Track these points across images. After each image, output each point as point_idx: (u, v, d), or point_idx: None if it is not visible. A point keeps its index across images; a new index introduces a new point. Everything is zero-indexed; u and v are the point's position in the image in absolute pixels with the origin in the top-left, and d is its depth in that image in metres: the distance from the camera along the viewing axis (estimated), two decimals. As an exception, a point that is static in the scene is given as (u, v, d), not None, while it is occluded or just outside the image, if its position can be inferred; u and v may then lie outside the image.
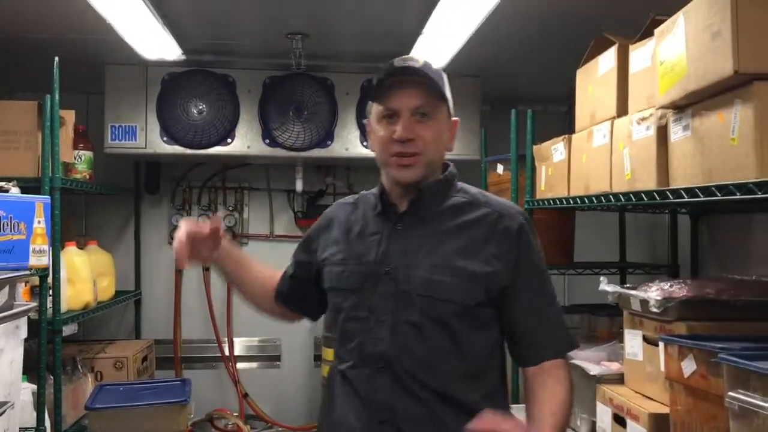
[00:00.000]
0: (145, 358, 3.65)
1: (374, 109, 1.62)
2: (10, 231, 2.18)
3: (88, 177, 3.33)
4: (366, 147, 3.58)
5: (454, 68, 3.38)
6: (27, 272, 2.14)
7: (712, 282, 2.09)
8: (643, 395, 2.11)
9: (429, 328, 1.55)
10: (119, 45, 3.03)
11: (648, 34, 1.96)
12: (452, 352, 1.55)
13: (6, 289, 1.81)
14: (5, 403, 1.98)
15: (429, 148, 1.58)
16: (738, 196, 1.40)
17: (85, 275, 3.10)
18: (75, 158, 3.24)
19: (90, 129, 3.47)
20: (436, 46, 2.93)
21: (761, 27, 1.39)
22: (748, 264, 2.58)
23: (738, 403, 1.40)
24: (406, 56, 1.60)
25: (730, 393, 1.42)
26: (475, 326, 1.57)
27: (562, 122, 4.26)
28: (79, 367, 3.22)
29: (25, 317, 2.21)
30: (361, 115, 3.57)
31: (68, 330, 2.78)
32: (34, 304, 2.25)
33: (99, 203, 4.10)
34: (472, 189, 1.70)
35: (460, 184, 1.70)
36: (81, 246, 3.29)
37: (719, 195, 1.48)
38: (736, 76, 1.41)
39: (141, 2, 2.43)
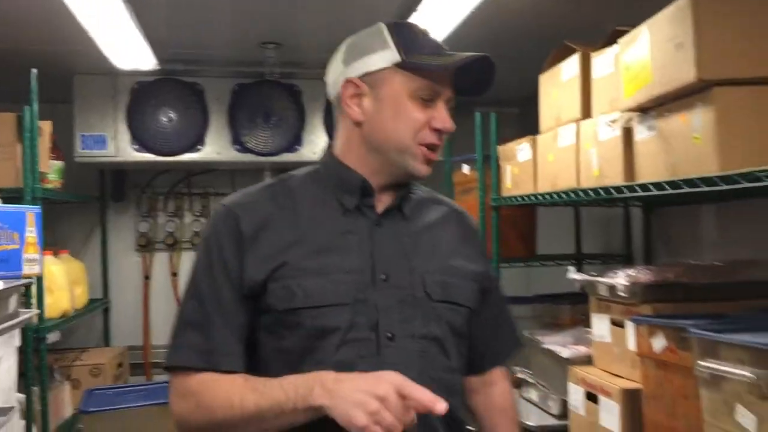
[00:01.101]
0: (120, 365, 3.69)
1: (407, 81, 1.30)
2: (6, 241, 2.22)
3: (59, 185, 3.36)
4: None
5: (417, 74, 3.55)
6: (28, 280, 2.19)
7: (672, 267, 2.29)
8: (612, 374, 2.29)
9: (451, 341, 1.33)
10: (89, 55, 3.08)
11: (609, 43, 2.15)
12: (463, 369, 1.39)
13: (15, 297, 1.87)
14: (10, 408, 2.04)
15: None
16: (704, 188, 1.59)
17: (62, 283, 3.14)
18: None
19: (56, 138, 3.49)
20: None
21: (719, 40, 1.57)
22: (696, 251, 2.81)
23: (709, 371, 1.58)
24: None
25: (701, 362, 1.60)
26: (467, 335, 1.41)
27: (514, 123, 4.48)
28: (56, 375, 3.25)
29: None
30: (329, 120, 3.70)
31: (52, 338, 2.82)
32: (36, 310, 2.30)
33: (64, 212, 4.11)
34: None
35: None
36: (55, 255, 3.31)
37: (685, 188, 1.67)
38: (699, 83, 1.59)
39: (126, 14, 2.49)
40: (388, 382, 1.10)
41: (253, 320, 1.29)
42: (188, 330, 1.28)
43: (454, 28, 2.71)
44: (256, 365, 1.28)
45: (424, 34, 1.36)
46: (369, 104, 1.34)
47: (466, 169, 3.34)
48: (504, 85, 3.92)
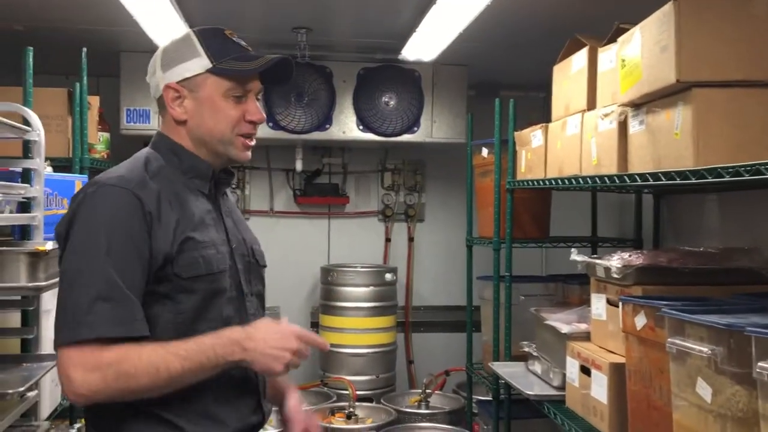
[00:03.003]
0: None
1: (219, 84, 1.54)
2: (55, 206, 2.47)
3: (105, 156, 3.62)
4: (362, 131, 3.91)
5: (443, 58, 3.70)
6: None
7: (666, 252, 2.43)
8: (606, 349, 2.43)
9: (264, 297, 1.70)
10: (134, 34, 3.31)
11: (613, 39, 2.28)
12: None
13: (63, 256, 2.11)
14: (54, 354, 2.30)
15: None
16: (678, 181, 1.74)
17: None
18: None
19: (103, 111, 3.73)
20: (429, 41, 3.24)
21: (698, 45, 1.71)
22: (699, 237, 2.94)
23: (676, 347, 1.73)
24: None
25: (670, 340, 1.76)
26: None
27: (540, 107, 4.59)
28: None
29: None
30: (357, 101, 3.90)
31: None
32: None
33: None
34: None
35: None
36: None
37: (664, 180, 1.82)
38: (678, 84, 1.73)
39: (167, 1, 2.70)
40: (293, 335, 1.47)
41: (150, 290, 1.45)
42: (98, 303, 1.36)
43: (479, 12, 2.83)
44: (150, 332, 1.44)
45: (230, 38, 1.60)
46: (190, 105, 1.56)
47: (485, 152, 3.49)
48: (530, 71, 4.08)
